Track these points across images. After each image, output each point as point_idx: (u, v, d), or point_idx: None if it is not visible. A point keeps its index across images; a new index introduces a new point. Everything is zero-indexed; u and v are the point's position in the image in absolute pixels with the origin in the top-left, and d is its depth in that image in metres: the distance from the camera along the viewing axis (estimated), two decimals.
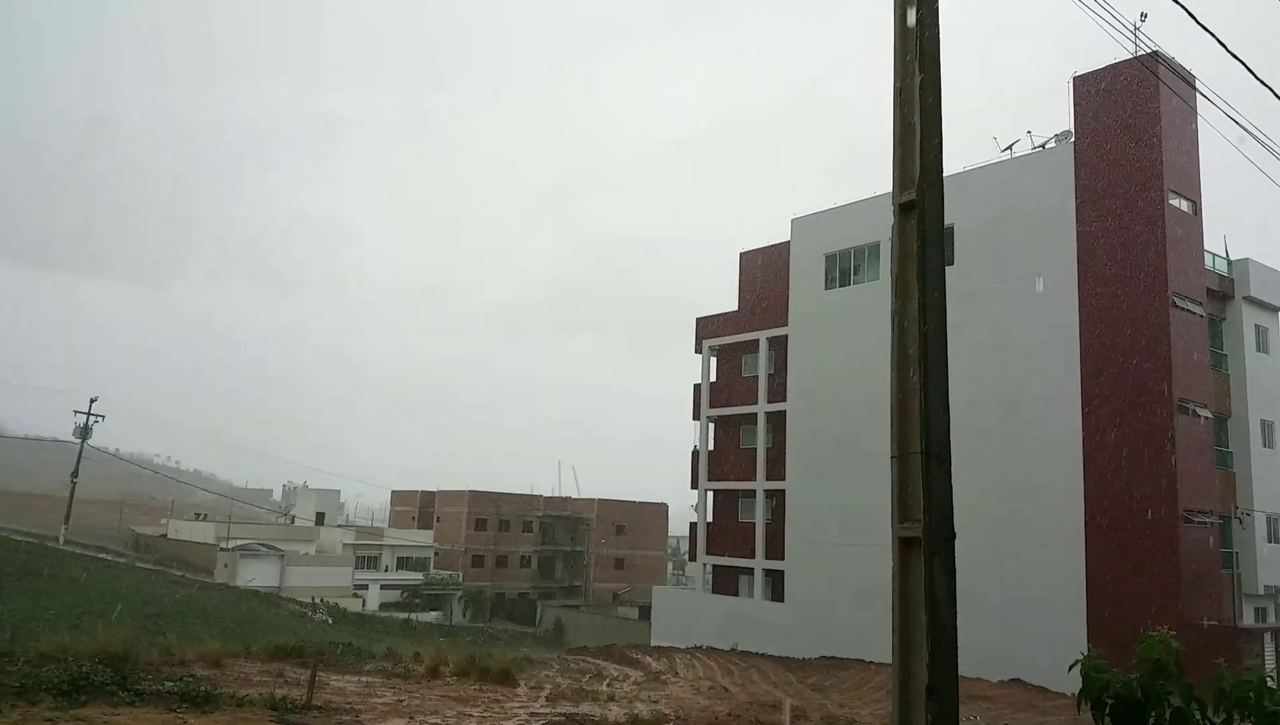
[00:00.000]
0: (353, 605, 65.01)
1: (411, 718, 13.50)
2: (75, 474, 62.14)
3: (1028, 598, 30.24)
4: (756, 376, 44.49)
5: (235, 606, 42.85)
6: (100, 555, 54.84)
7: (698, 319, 48.55)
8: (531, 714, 14.62)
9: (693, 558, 48.40)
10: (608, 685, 18.95)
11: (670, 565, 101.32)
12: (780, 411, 42.44)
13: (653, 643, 38.92)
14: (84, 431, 62.76)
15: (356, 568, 75.18)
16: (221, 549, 65.96)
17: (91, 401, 63.24)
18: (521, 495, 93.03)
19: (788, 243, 43.14)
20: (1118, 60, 30.61)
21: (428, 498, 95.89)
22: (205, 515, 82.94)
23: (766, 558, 42.19)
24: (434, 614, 73.23)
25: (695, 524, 47.06)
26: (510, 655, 22.35)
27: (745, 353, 45.88)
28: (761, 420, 43.59)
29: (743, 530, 44.16)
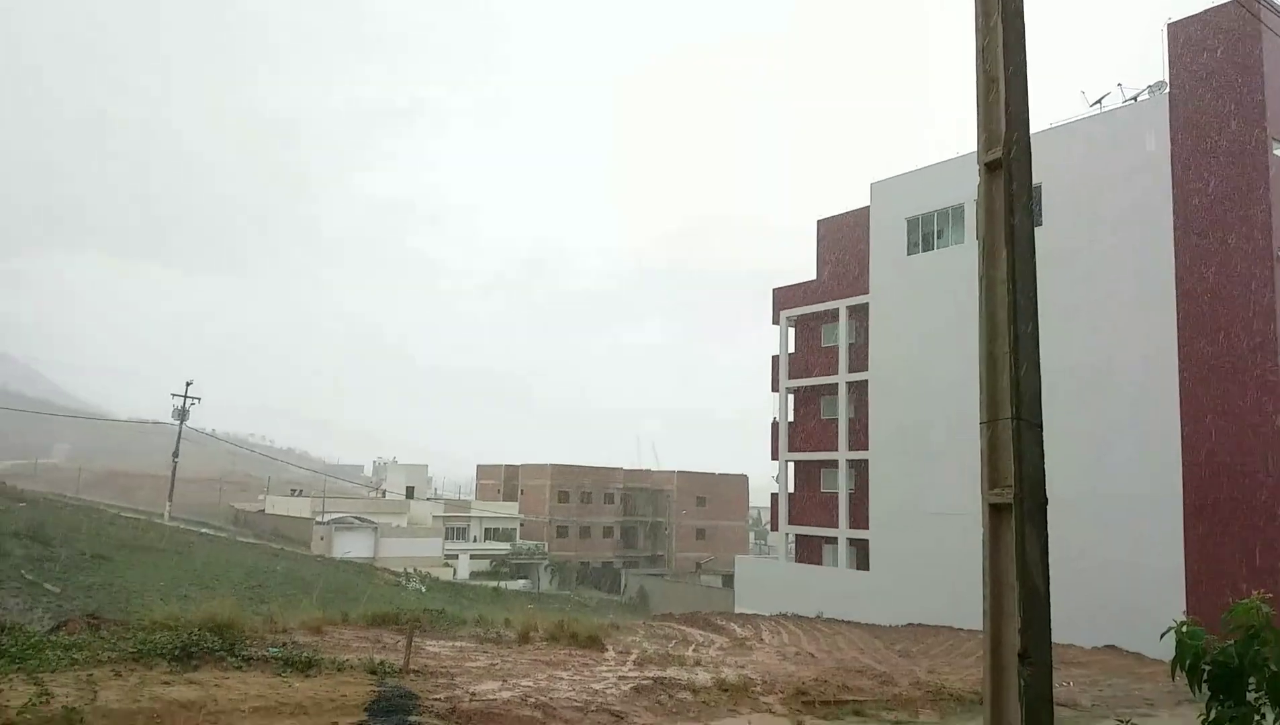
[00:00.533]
0: (444, 574, 66.72)
1: (505, 680, 13.87)
2: (176, 454, 64.90)
3: (1122, 564, 29.41)
4: (836, 346, 43.95)
5: (332, 577, 44.33)
6: (203, 530, 57.31)
7: (775, 290, 48.09)
8: (620, 677, 14.87)
9: (775, 528, 48.31)
10: (693, 651, 19.13)
11: (752, 535, 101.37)
12: (862, 381, 41.90)
13: (736, 610, 39.07)
14: (182, 414, 65.45)
15: (446, 539, 77.10)
16: (317, 523, 68.26)
17: (187, 385, 65.87)
18: (602, 468, 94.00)
19: (867, 208, 42.35)
20: (1215, 4, 29.13)
21: (511, 472, 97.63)
22: (300, 491, 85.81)
23: (850, 527, 41.89)
24: (521, 582, 74.76)
25: (776, 495, 46.93)
26: (597, 621, 22.70)
27: (824, 322, 45.34)
28: (843, 390, 43.11)
29: (825, 500, 43.88)
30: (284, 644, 14.43)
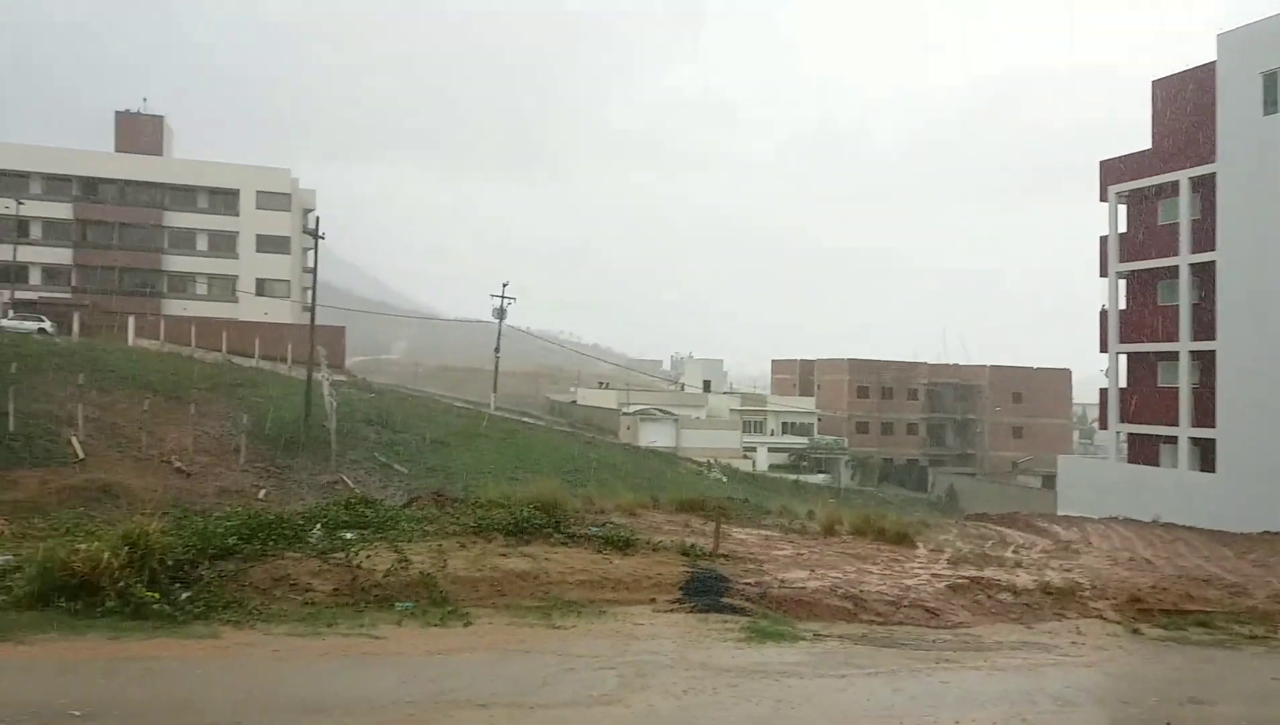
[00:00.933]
0: (743, 466, 68.31)
1: (812, 570, 13.80)
2: (497, 349, 70.80)
3: None
4: (1176, 224, 38.87)
5: (640, 464, 46.76)
6: (523, 419, 62.32)
7: (1102, 162, 43.18)
8: (933, 574, 14.33)
9: (1103, 426, 44.46)
10: (1013, 552, 18.07)
11: (1077, 434, 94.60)
12: (1207, 262, 36.90)
13: (1059, 512, 36.66)
14: (501, 312, 71.37)
15: (744, 431, 78.64)
16: (623, 414, 72.09)
17: (504, 286, 71.54)
18: (904, 363, 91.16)
19: (1212, 64, 36.53)
20: None
21: (807, 366, 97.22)
22: (607, 384, 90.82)
23: (1193, 425, 37.62)
24: (821, 477, 74.97)
25: (1105, 390, 43.03)
26: (905, 518, 22.09)
27: (1161, 197, 40.17)
28: (1184, 273, 38.22)
29: (1162, 396, 39.60)
30: (602, 524, 15.21)
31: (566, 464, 40.03)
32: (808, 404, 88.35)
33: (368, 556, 11.47)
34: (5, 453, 23.77)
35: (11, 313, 55.39)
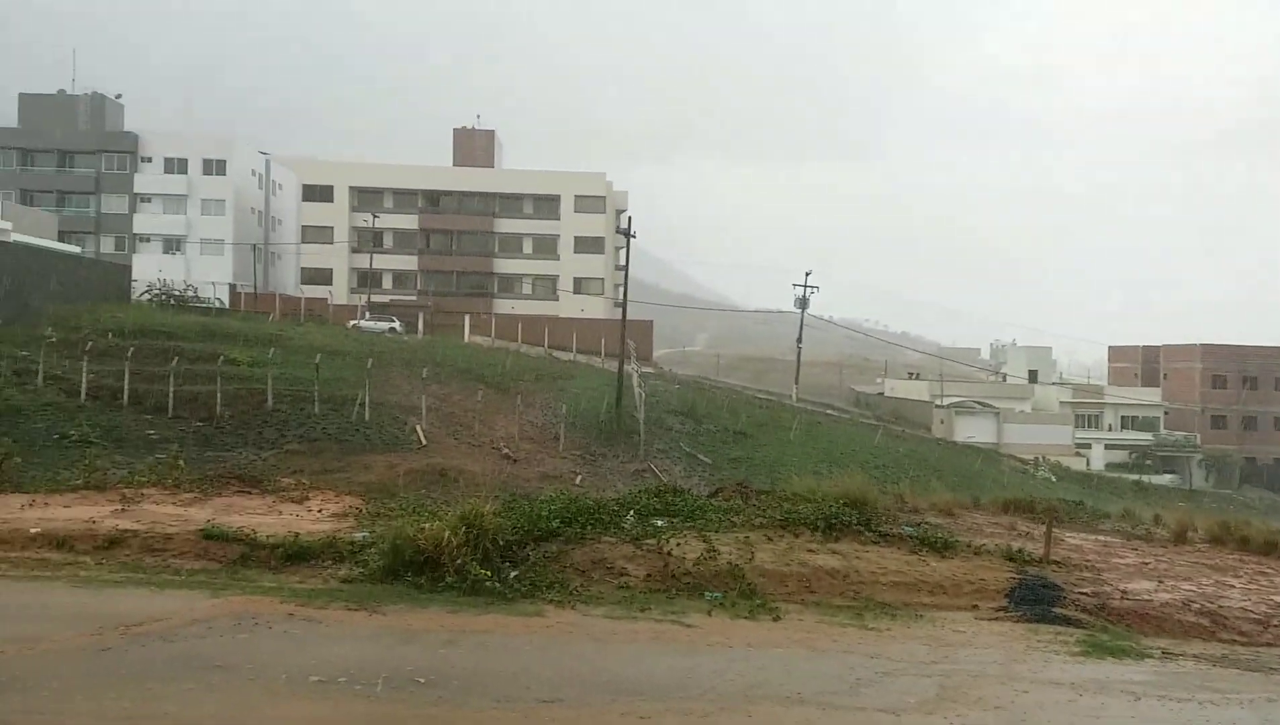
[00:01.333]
0: (1075, 464, 62.97)
1: (1160, 581, 12.34)
2: (799, 339, 70.27)
3: None
4: None
5: (956, 460, 44.49)
6: (826, 411, 61.40)
7: None
8: None
9: None
10: None
11: None
12: None
13: None
14: (803, 302, 70.67)
15: (1076, 426, 72.38)
16: (936, 406, 68.84)
17: (806, 275, 70.75)
18: (1271, 348, 79.64)
19: None
20: None
21: (1150, 353, 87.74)
22: (917, 374, 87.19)
23: None
24: (1168, 477, 67.40)
25: None
26: (1274, 526, 19.15)
27: None
28: None
29: None
30: (917, 523, 14.51)
31: (874, 459, 38.89)
32: (1152, 395, 79.37)
33: (678, 544, 11.68)
34: (361, 439, 26.92)
35: (368, 315, 62.97)
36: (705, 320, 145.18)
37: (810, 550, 12.10)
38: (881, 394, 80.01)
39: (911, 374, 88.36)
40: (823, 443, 42.20)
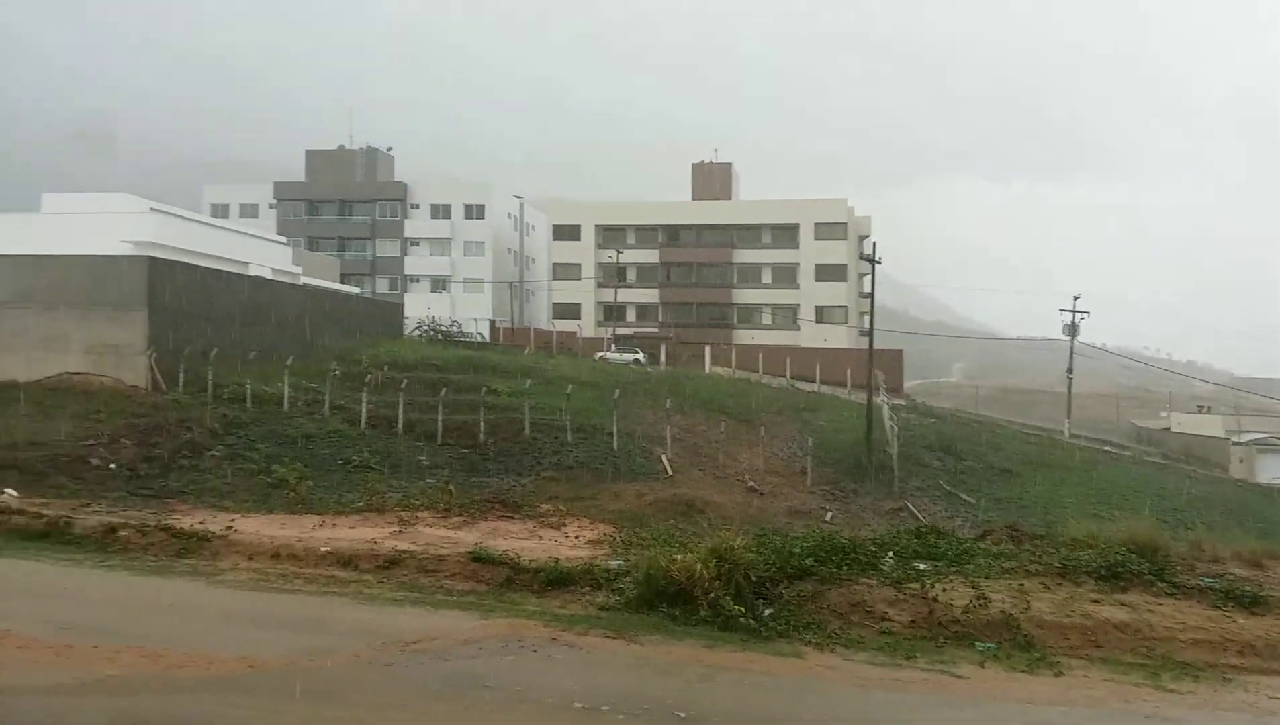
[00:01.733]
0: None
1: None
2: (1070, 370, 65.16)
3: None
4: None
5: (1260, 504, 39.47)
6: (1103, 448, 56.37)
7: None
8: None
9: None
10: None
11: None
12: None
13: None
14: (1072, 329, 65.59)
15: None
16: (1234, 443, 61.60)
17: (1075, 299, 65.66)
18: None
19: None
20: None
21: None
22: (1208, 408, 78.45)
23: None
24: None
25: None
26: None
27: None
28: None
29: None
30: (1218, 574, 12.89)
31: (1162, 501, 35.12)
32: None
33: (943, 590, 10.95)
34: (610, 467, 27.64)
35: (614, 347, 64.95)
36: (962, 349, 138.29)
37: (1094, 601, 10.99)
38: (1167, 429, 72.71)
39: (1201, 407, 79.68)
40: (1101, 482, 38.73)
